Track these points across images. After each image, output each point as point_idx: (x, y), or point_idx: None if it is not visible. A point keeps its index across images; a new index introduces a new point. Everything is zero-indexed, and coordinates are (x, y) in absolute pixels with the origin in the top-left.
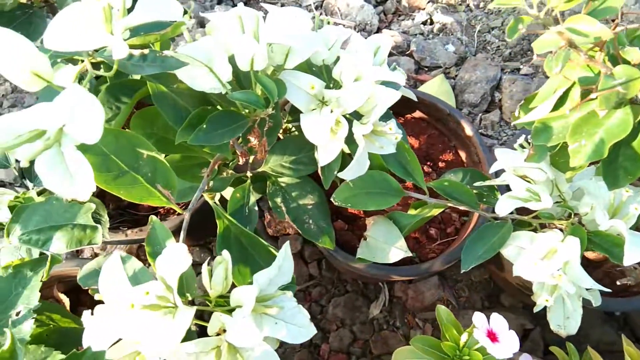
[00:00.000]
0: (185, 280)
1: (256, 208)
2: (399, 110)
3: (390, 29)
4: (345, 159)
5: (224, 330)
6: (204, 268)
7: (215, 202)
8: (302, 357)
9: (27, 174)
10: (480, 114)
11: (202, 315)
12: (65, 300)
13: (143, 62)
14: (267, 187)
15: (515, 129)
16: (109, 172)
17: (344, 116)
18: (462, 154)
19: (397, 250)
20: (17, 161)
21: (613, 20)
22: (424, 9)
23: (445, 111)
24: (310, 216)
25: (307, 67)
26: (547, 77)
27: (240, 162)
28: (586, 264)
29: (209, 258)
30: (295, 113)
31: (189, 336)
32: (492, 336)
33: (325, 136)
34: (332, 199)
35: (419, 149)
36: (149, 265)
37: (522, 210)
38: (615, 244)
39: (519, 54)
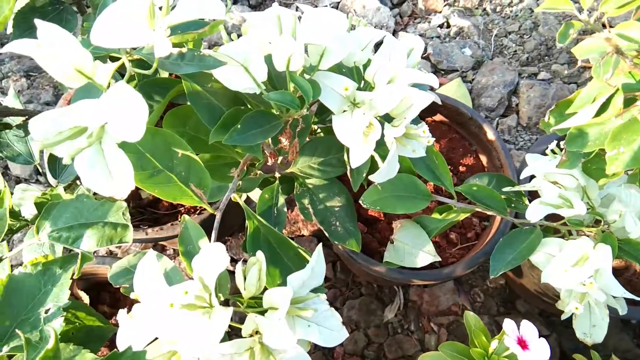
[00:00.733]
0: (219, 281)
1: (285, 209)
2: (420, 113)
3: (407, 32)
4: (373, 162)
5: (257, 332)
6: (238, 269)
7: (243, 203)
8: (316, 359)
9: (51, 170)
10: (497, 119)
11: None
12: (85, 298)
13: (181, 60)
14: (295, 189)
15: (532, 134)
16: (144, 171)
17: (377, 119)
18: (483, 159)
19: (425, 255)
20: (41, 156)
21: None
22: (441, 12)
23: (467, 115)
24: (337, 218)
25: (337, 68)
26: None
27: (270, 163)
28: None
29: (242, 259)
30: (321, 114)
31: (224, 337)
32: (522, 343)
33: (357, 138)
34: (360, 202)
35: (440, 153)
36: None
37: (549, 217)
38: None
39: (536, 59)
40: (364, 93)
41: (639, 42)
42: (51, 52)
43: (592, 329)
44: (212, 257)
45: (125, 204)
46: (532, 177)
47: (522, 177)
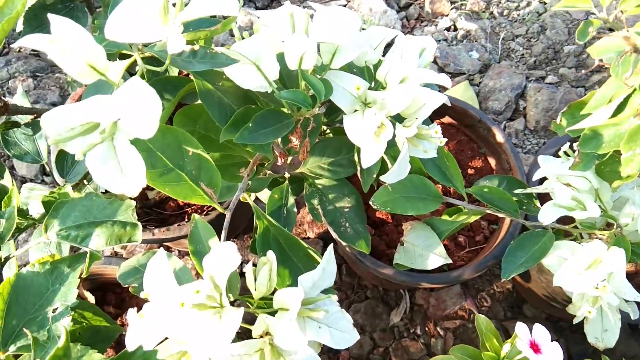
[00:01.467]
0: (230, 281)
1: (295, 209)
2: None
3: (413, 35)
4: (383, 163)
5: (267, 333)
6: (249, 269)
7: (253, 203)
8: None
9: (58, 169)
10: (504, 122)
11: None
12: (91, 298)
13: (193, 58)
14: (305, 189)
15: (539, 138)
16: (154, 169)
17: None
18: (492, 161)
19: (436, 257)
20: (48, 155)
21: None
22: (447, 15)
23: (475, 117)
24: (346, 219)
25: (348, 68)
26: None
27: (279, 163)
28: None
29: (253, 258)
30: (330, 115)
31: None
32: (534, 347)
33: (369, 138)
34: (370, 203)
35: (450, 154)
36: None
37: (560, 220)
38: None
39: (543, 63)
40: (375, 92)
41: None
42: (64, 47)
43: (604, 333)
44: (224, 256)
45: (134, 203)
46: (544, 179)
47: (534, 178)
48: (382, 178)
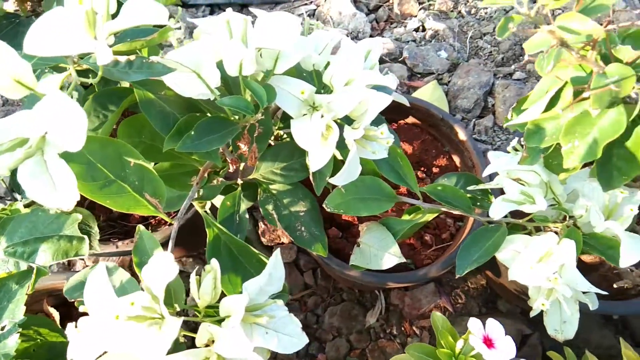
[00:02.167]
0: (173, 291)
1: (247, 216)
2: (392, 116)
3: (383, 37)
4: (337, 165)
5: (213, 341)
6: (192, 277)
7: (205, 211)
8: None
9: (14, 186)
10: (473, 120)
11: (196, 327)
12: (55, 314)
13: (129, 68)
14: (259, 195)
15: (509, 134)
16: (95, 182)
17: (335, 121)
18: (456, 159)
19: (391, 257)
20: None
21: (612, 22)
22: (416, 16)
23: (438, 116)
24: (302, 223)
25: (297, 72)
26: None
27: (231, 170)
28: (582, 267)
29: (197, 267)
30: (286, 119)
31: (178, 348)
32: (488, 342)
33: (315, 141)
34: (324, 205)
35: (413, 155)
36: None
37: (517, 214)
38: (610, 246)
39: (511, 59)
40: (322, 96)
41: (579, 34)
42: None
43: (562, 325)
44: (161, 266)
45: (80, 216)
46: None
47: (484, 175)
48: (331, 180)
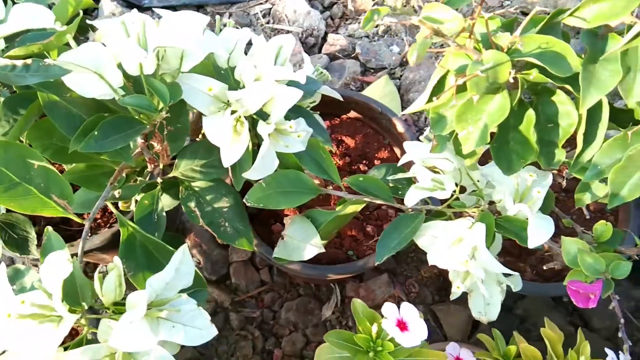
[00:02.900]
0: (80, 289)
1: (164, 214)
2: (334, 111)
3: (338, 33)
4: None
5: None
6: (95, 275)
7: (120, 210)
8: None
9: None
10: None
11: None
12: None
13: (26, 72)
14: (180, 192)
15: None
16: None
17: (252, 116)
18: (397, 151)
19: (312, 247)
20: None
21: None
22: None
23: (377, 110)
24: (225, 219)
25: (215, 70)
26: None
27: (149, 169)
28: (519, 251)
29: (100, 265)
30: None
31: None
32: (401, 325)
33: (226, 137)
34: (244, 200)
35: (355, 148)
36: None
37: (445, 201)
38: (522, 227)
39: None
40: (232, 92)
41: (442, 23)
42: None
43: (486, 307)
44: (54, 265)
45: None
46: None
47: (399, 164)
48: (245, 175)
